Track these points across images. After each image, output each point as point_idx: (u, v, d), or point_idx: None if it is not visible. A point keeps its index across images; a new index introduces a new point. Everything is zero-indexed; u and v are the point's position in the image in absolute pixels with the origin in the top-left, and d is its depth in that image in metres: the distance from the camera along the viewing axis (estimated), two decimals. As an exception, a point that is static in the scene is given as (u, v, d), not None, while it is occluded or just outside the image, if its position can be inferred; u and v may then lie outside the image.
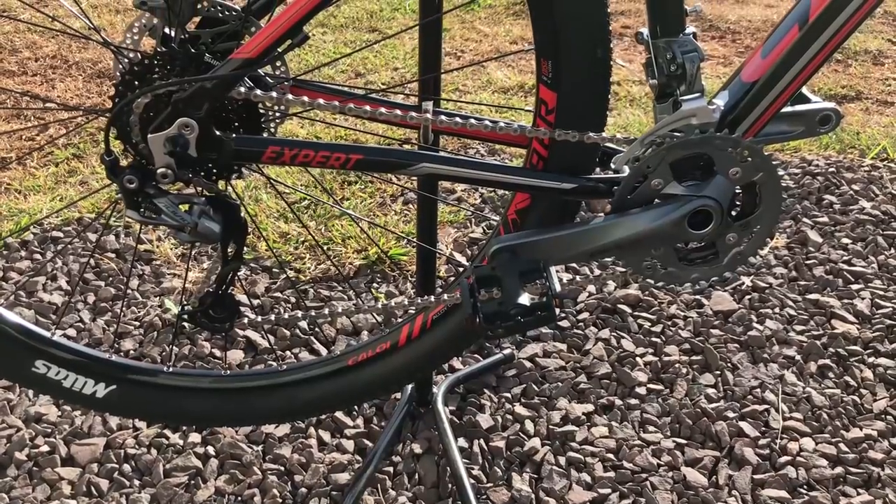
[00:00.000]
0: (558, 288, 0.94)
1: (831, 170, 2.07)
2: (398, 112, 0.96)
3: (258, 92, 0.92)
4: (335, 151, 0.95)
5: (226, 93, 0.90)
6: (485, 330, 0.91)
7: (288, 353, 1.47)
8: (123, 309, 1.58)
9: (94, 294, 1.63)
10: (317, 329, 1.53)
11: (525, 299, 0.92)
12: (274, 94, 0.92)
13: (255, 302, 1.61)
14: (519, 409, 1.35)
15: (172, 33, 0.97)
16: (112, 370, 1.15)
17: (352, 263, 1.72)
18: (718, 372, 1.45)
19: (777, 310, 1.59)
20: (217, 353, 1.47)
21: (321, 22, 3.10)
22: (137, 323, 1.55)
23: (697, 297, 1.62)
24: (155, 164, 0.91)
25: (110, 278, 1.68)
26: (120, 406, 1.19)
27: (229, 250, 1.01)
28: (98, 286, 1.65)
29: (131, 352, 1.48)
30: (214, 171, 0.97)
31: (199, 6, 0.97)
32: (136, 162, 0.93)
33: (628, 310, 1.58)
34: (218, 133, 0.91)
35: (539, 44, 0.96)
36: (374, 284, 1.67)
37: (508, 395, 1.39)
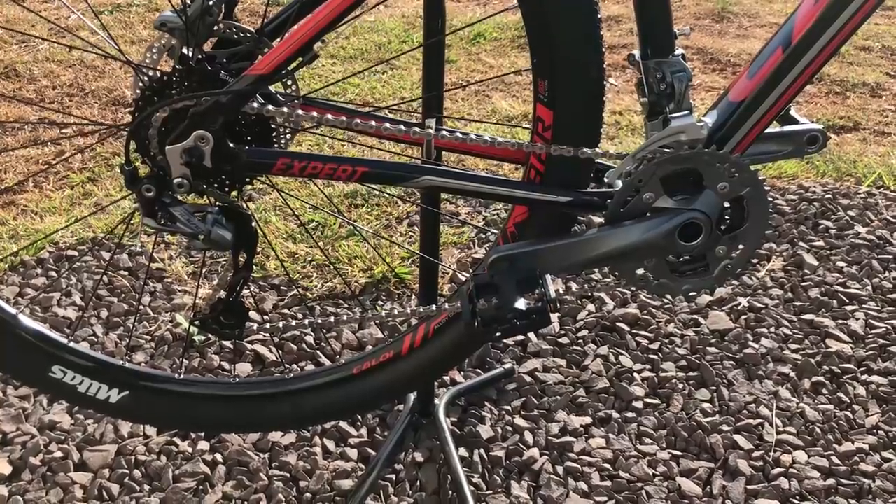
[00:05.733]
0: (553, 294, 0.99)
1: (828, 196, 2.11)
2: (402, 127, 1.01)
3: (270, 107, 0.97)
4: (342, 164, 1.00)
5: (240, 107, 0.95)
6: (482, 333, 0.95)
7: (294, 366, 1.52)
8: (135, 324, 1.63)
9: (107, 309, 1.67)
10: (323, 343, 1.57)
11: (521, 304, 0.96)
12: (285, 109, 0.98)
13: (263, 318, 1.65)
14: (519, 420, 1.39)
15: (190, 53, 1.03)
16: (125, 376, 1.19)
17: (358, 282, 1.77)
18: (714, 388, 1.48)
19: (773, 329, 1.63)
20: (226, 365, 1.52)
21: (331, 53, 3.18)
22: (149, 337, 1.60)
23: (695, 316, 1.66)
24: (172, 174, 0.97)
25: (123, 295, 1.73)
26: (132, 411, 1.23)
27: (240, 259, 1.07)
28: (111, 302, 1.69)
29: (142, 364, 1.52)
30: (227, 181, 1.02)
31: (215, 28, 1.03)
32: (153, 172, 0.99)
33: (627, 328, 1.62)
34: (232, 145, 0.96)
35: (536, 64, 1.02)
36: (380, 302, 1.71)
37: (508, 407, 1.43)
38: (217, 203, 1.02)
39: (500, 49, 3.37)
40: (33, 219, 2.06)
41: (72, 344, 1.18)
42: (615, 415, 1.41)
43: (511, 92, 2.92)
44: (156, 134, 0.98)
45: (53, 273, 1.80)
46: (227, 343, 1.56)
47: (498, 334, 0.96)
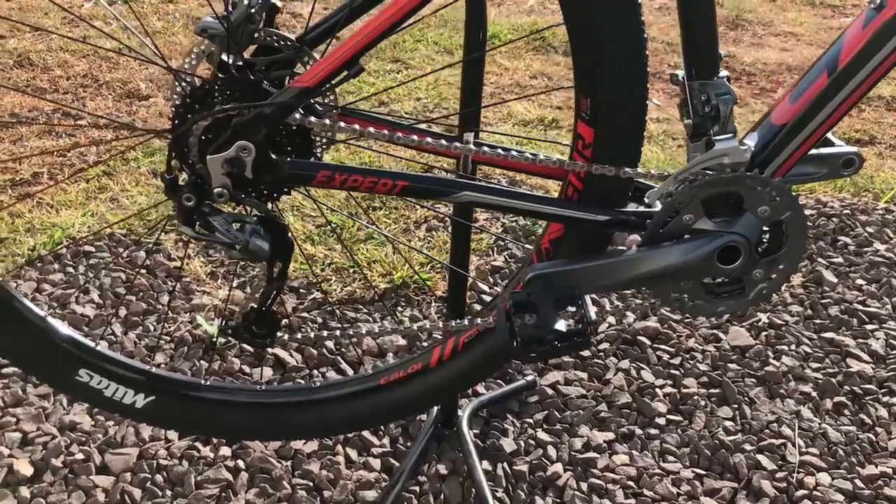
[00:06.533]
0: (593, 316, 0.98)
1: (846, 212, 2.11)
2: (443, 142, 1.01)
3: (313, 119, 0.96)
4: (382, 177, 0.99)
5: (283, 119, 0.94)
6: (521, 353, 0.95)
7: (316, 371, 1.51)
8: (155, 324, 1.62)
9: (125, 308, 1.67)
10: (343, 349, 1.56)
11: (561, 325, 0.96)
12: (328, 121, 0.97)
13: (283, 322, 1.64)
14: (541, 434, 1.39)
15: (229, 60, 1.02)
16: (152, 381, 1.19)
17: (377, 287, 1.76)
18: (736, 405, 1.48)
19: (793, 347, 1.63)
20: (246, 368, 1.51)
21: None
22: (168, 338, 1.59)
23: (715, 331, 1.65)
24: (212, 183, 0.96)
25: (141, 293, 1.72)
26: (158, 417, 1.22)
27: (274, 269, 1.06)
28: (130, 301, 1.69)
29: (162, 366, 1.52)
30: (265, 191, 1.02)
31: (255, 35, 1.02)
32: (192, 181, 0.98)
33: (647, 342, 1.61)
34: (274, 156, 0.96)
35: (579, 82, 1.01)
36: (399, 308, 1.70)
37: (531, 420, 1.42)
38: (254, 213, 1.01)
39: (515, 51, 3.35)
40: (49, 212, 2.05)
41: (99, 348, 1.17)
42: (638, 431, 1.41)
43: (525, 94, 2.91)
44: (196, 142, 0.97)
45: (71, 269, 1.79)
46: (248, 347, 1.56)
47: (537, 355, 0.95)
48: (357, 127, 0.98)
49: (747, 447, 1.38)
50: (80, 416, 1.39)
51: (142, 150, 2.37)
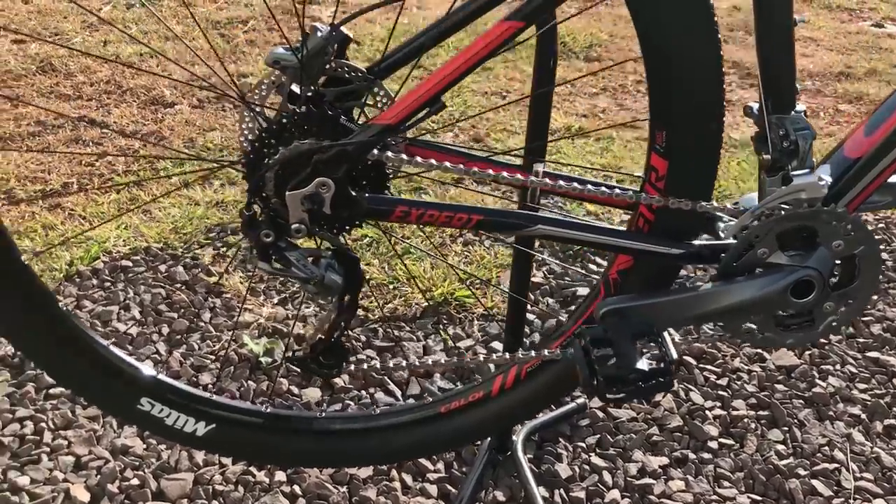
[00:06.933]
0: (675, 354, 0.97)
1: (881, 225, 2.10)
2: (519, 176, 1.00)
3: (389, 154, 0.96)
4: (458, 212, 0.98)
5: (364, 156, 0.94)
6: (604, 393, 0.94)
7: (363, 392, 1.50)
8: (199, 342, 1.62)
9: (167, 325, 1.66)
10: (391, 369, 1.56)
11: (643, 364, 0.95)
12: (404, 156, 0.96)
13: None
14: (596, 459, 1.38)
15: (299, 91, 1.01)
16: (213, 409, 1.18)
17: (418, 304, 1.75)
18: (786, 428, 1.47)
19: (838, 366, 1.62)
20: (295, 389, 1.50)
21: (368, 57, 3.15)
22: (213, 357, 1.58)
23: (759, 351, 1.65)
24: (290, 219, 0.95)
25: (182, 310, 1.71)
26: (218, 445, 1.22)
27: (344, 300, 1.05)
28: (171, 318, 1.68)
29: (209, 386, 1.51)
30: (338, 225, 1.01)
31: (327, 66, 1.01)
32: (271, 216, 0.97)
33: (693, 362, 1.61)
34: (353, 192, 0.95)
35: (655, 114, 1.00)
36: (441, 325, 1.70)
37: (583, 444, 1.42)
38: (328, 247, 1.01)
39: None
40: (81, 224, 2.04)
41: (161, 376, 1.16)
42: (691, 455, 1.40)
43: (590, 129, 2.91)
44: (273, 177, 0.96)
45: (110, 285, 1.78)
46: (295, 367, 1.55)
47: (620, 396, 0.94)
48: (434, 161, 0.97)
49: (801, 472, 1.38)
50: (132, 439, 1.38)
51: (171, 161, 2.36)
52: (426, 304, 1.75)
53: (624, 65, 3.23)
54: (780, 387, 1.57)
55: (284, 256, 0.97)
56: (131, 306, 1.71)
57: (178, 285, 1.78)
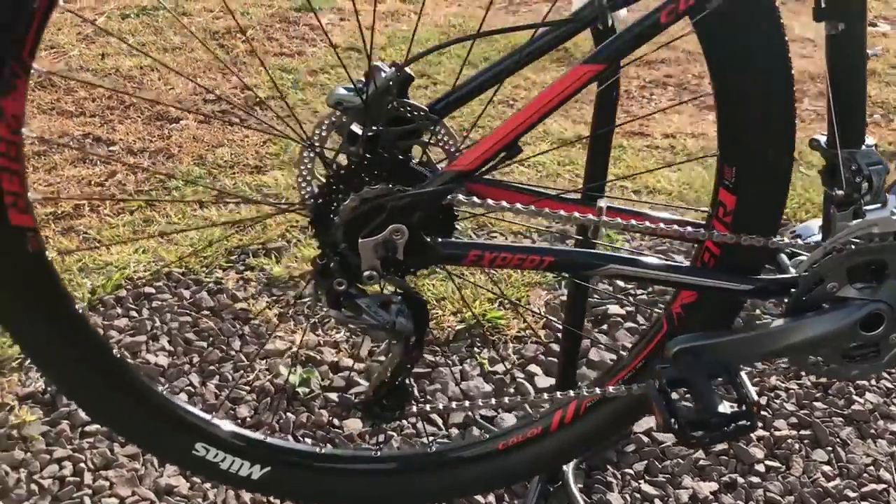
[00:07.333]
0: (755, 395, 0.96)
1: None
2: (591, 216, 0.98)
3: (461, 197, 0.94)
4: (530, 254, 0.97)
5: (440, 202, 0.92)
6: (688, 439, 0.93)
7: (405, 422, 1.49)
8: (232, 373, 1.59)
9: (198, 355, 1.63)
10: (429, 397, 1.54)
11: (725, 408, 0.94)
12: (476, 199, 0.94)
13: (360, 366, 1.62)
14: (646, 487, 1.37)
15: (359, 131, 0.99)
16: (268, 452, 1.16)
17: (450, 326, 1.73)
18: (830, 448, 1.47)
19: (873, 382, 1.63)
20: (335, 421, 1.48)
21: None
22: (248, 388, 1.56)
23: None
24: (362, 266, 0.93)
25: (211, 338, 1.68)
26: (273, 488, 1.20)
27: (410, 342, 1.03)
28: (201, 347, 1.65)
29: (248, 419, 1.49)
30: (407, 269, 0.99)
31: (389, 106, 0.99)
32: (342, 264, 0.94)
33: (731, 381, 1.60)
34: (427, 238, 0.93)
35: (725, 150, 0.99)
36: (475, 349, 1.68)
37: (631, 471, 1.41)
38: (398, 291, 0.99)
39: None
40: (98, 248, 2.00)
41: (215, 420, 1.14)
42: (740, 479, 1.40)
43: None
44: (342, 223, 0.94)
45: (135, 313, 1.75)
46: (333, 396, 1.53)
47: (702, 441, 0.93)
48: (505, 203, 0.95)
49: (850, 494, 1.38)
50: (176, 478, 1.36)
51: (182, 178, 2.32)
52: (459, 326, 1.73)
53: (627, 69, 3.23)
54: (818, 404, 1.57)
55: (355, 304, 0.95)
56: (159, 336, 1.68)
57: (205, 312, 1.76)
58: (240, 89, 2.90)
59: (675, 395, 0.97)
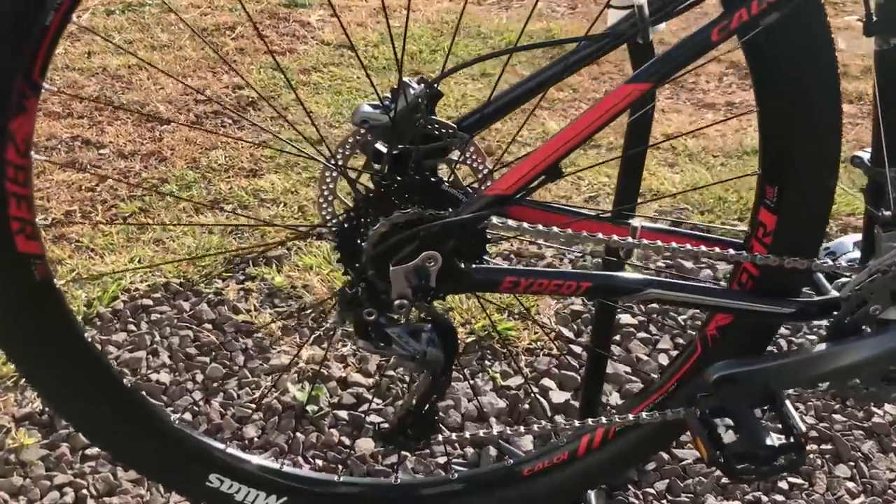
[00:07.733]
0: (802, 426, 0.93)
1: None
2: (631, 239, 0.94)
3: (495, 220, 0.89)
4: (567, 280, 0.93)
5: (476, 227, 0.87)
6: (735, 473, 0.89)
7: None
8: (237, 390, 1.54)
9: (200, 371, 1.58)
10: (441, 414, 1.50)
11: (773, 440, 0.90)
12: (511, 222, 0.90)
13: (370, 381, 1.57)
14: (669, 507, 1.34)
15: (384, 149, 0.94)
16: (284, 481, 1.11)
17: (460, 339, 1.69)
18: (852, 463, 1.44)
19: (891, 393, 1.60)
20: (346, 440, 1.44)
21: (367, 63, 3.06)
22: (254, 406, 1.51)
23: (812, 378, 1.62)
24: (392, 294, 0.88)
25: (213, 353, 1.63)
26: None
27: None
28: (204, 363, 1.60)
29: (255, 440, 1.44)
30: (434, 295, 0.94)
31: (416, 124, 0.95)
32: (371, 292, 0.90)
33: (749, 393, 1.57)
34: (461, 264, 0.88)
35: (767, 170, 0.96)
36: (486, 361, 1.64)
37: (653, 491, 1.37)
38: (428, 318, 0.94)
39: (534, 59, 3.28)
40: (91, 258, 1.94)
41: (229, 450, 1.09)
42: (764, 498, 1.36)
43: (557, 109, 2.85)
44: (370, 248, 0.89)
45: (133, 327, 1.69)
46: (343, 415, 1.48)
47: (750, 476, 0.89)
48: (541, 227, 0.91)
49: (876, 511, 1.36)
50: (183, 504, 1.30)
51: (175, 183, 2.26)
52: (469, 339, 1.69)
53: (610, 71, 3.19)
54: (837, 416, 1.54)
55: (385, 334, 0.90)
56: (160, 351, 1.62)
57: (206, 325, 1.70)
58: (231, 89, 2.84)
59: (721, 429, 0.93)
